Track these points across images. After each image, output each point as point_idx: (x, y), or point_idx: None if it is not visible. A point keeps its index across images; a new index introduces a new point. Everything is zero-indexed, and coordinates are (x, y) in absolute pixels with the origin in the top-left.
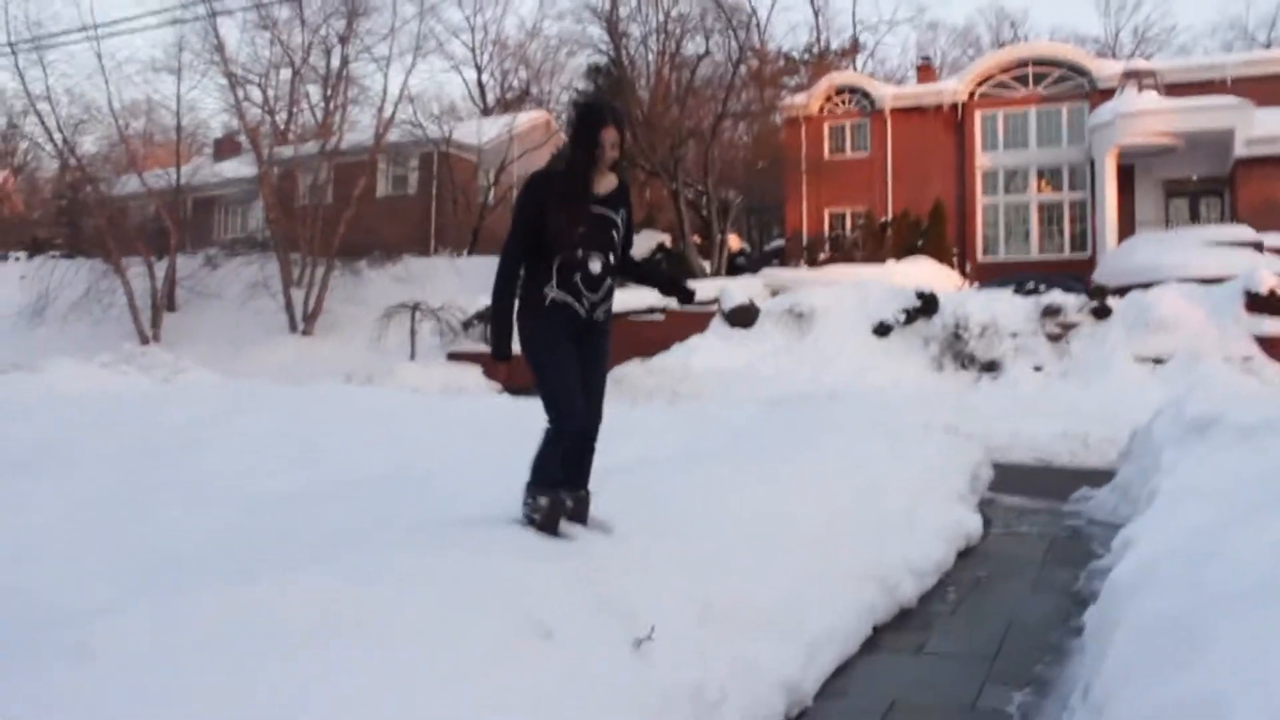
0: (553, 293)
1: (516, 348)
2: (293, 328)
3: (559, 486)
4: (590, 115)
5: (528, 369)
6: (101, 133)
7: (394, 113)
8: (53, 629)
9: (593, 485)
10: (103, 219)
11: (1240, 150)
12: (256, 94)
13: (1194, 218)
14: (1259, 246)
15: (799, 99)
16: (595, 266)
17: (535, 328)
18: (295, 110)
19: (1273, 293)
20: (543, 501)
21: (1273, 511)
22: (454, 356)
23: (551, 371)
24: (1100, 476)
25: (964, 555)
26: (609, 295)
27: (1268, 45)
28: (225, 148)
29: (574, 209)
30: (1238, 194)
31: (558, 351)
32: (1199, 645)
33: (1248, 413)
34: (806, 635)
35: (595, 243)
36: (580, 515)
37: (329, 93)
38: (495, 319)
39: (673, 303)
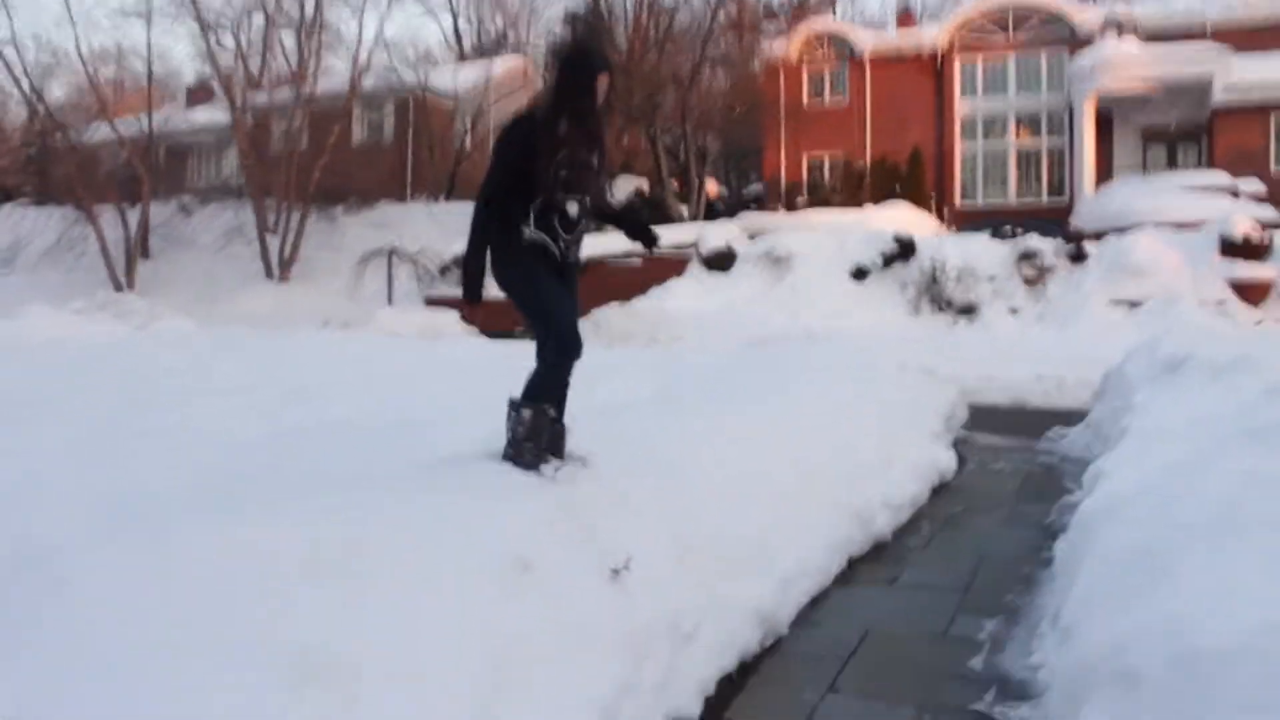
0: (529, 233)
1: (489, 291)
2: (269, 274)
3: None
4: (586, 62)
5: (505, 313)
6: (70, 79)
7: (369, 59)
8: (32, 562)
9: (572, 426)
10: (73, 166)
11: (1218, 97)
12: (229, 40)
13: (1172, 164)
14: (1235, 192)
15: (778, 45)
16: (573, 209)
17: (516, 270)
18: (269, 56)
19: (1247, 238)
20: (526, 414)
21: (1241, 447)
22: (431, 301)
23: (545, 304)
24: (1074, 417)
25: (938, 491)
26: (581, 236)
27: None
28: (198, 95)
29: (565, 153)
30: (1215, 141)
31: (545, 285)
32: (1166, 572)
33: (1219, 352)
34: (781, 569)
35: (574, 186)
36: (557, 448)
37: (303, 38)
38: (469, 260)
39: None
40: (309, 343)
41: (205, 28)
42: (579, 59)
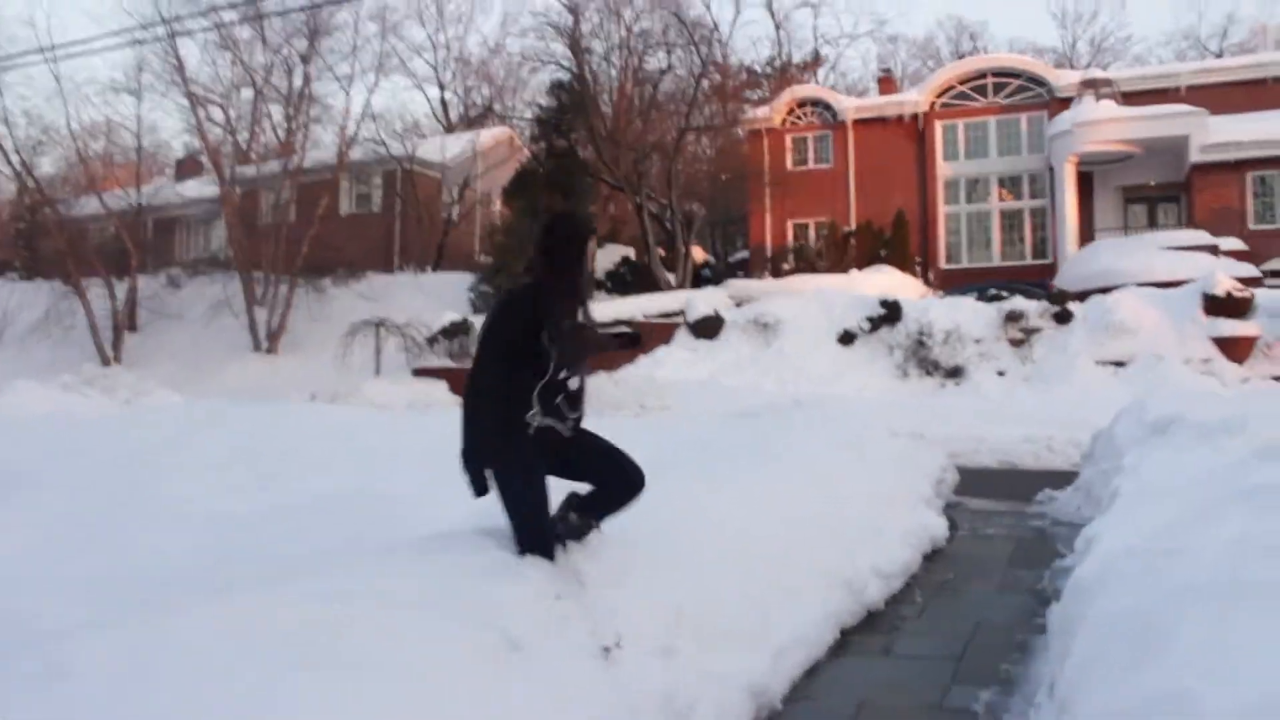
0: (537, 420)
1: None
2: (256, 346)
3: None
4: (577, 231)
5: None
6: (60, 154)
7: (357, 131)
8: (27, 649)
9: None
10: (62, 240)
11: (1195, 156)
12: (218, 114)
13: (1152, 223)
14: (1215, 250)
15: (761, 112)
16: (574, 383)
17: (516, 463)
18: (257, 130)
19: (1229, 295)
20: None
21: (1231, 509)
22: (419, 372)
23: (528, 510)
24: (1064, 478)
25: (930, 558)
26: (583, 406)
27: (1219, 54)
28: (187, 168)
29: (569, 324)
30: (1194, 199)
31: (536, 489)
32: (1162, 641)
33: (1207, 413)
34: (774, 640)
35: (577, 358)
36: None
37: (291, 112)
38: (471, 455)
39: (638, 316)
40: (296, 416)
41: (194, 102)
42: (570, 229)
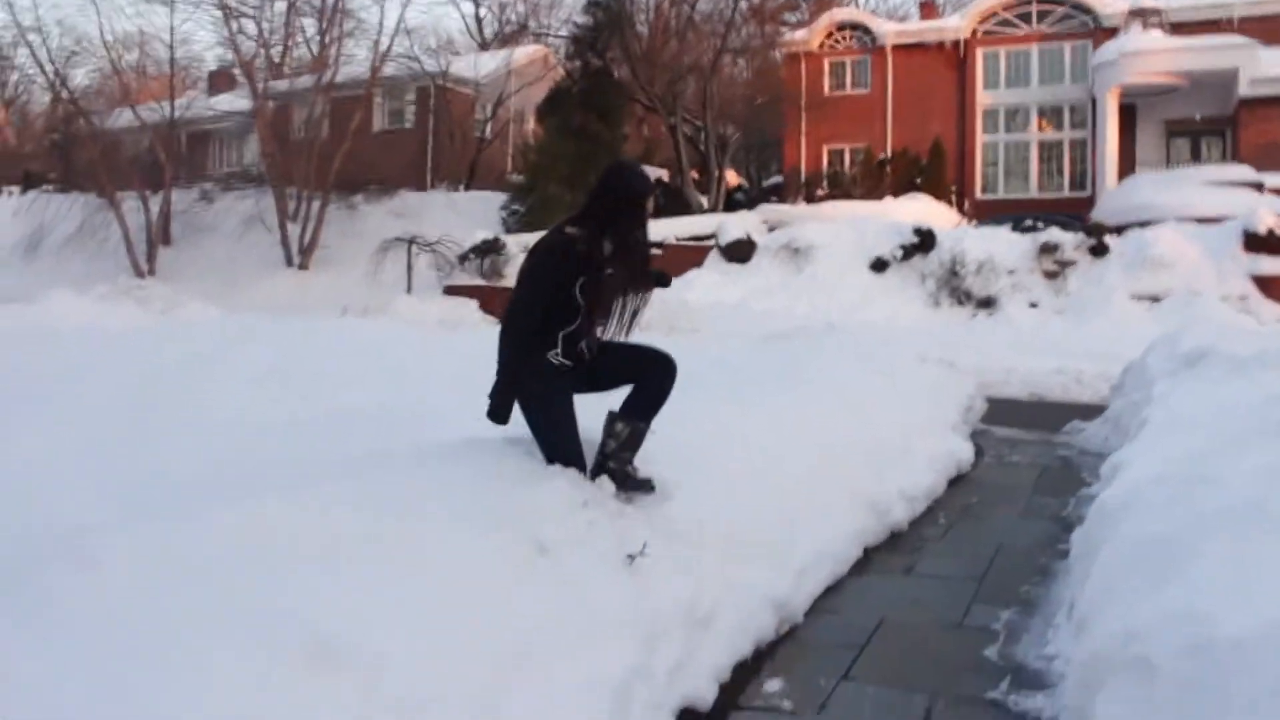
0: (557, 360)
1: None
2: (289, 262)
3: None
4: (640, 189)
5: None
6: (93, 65)
7: (390, 46)
8: (59, 542)
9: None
10: (96, 153)
11: (1244, 90)
12: (251, 27)
13: (1195, 158)
14: (1259, 187)
15: (799, 35)
16: (600, 332)
17: (535, 388)
18: (290, 43)
19: (1271, 232)
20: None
21: (1260, 439)
22: (450, 290)
23: (552, 430)
24: (1093, 411)
25: (955, 483)
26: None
27: None
28: (220, 81)
29: (610, 284)
30: (1240, 134)
31: (557, 410)
32: (1183, 563)
33: (1240, 346)
34: (798, 556)
35: (608, 313)
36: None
37: (324, 25)
38: (501, 389)
39: (670, 238)
40: (328, 330)
41: (227, 14)
42: (630, 188)
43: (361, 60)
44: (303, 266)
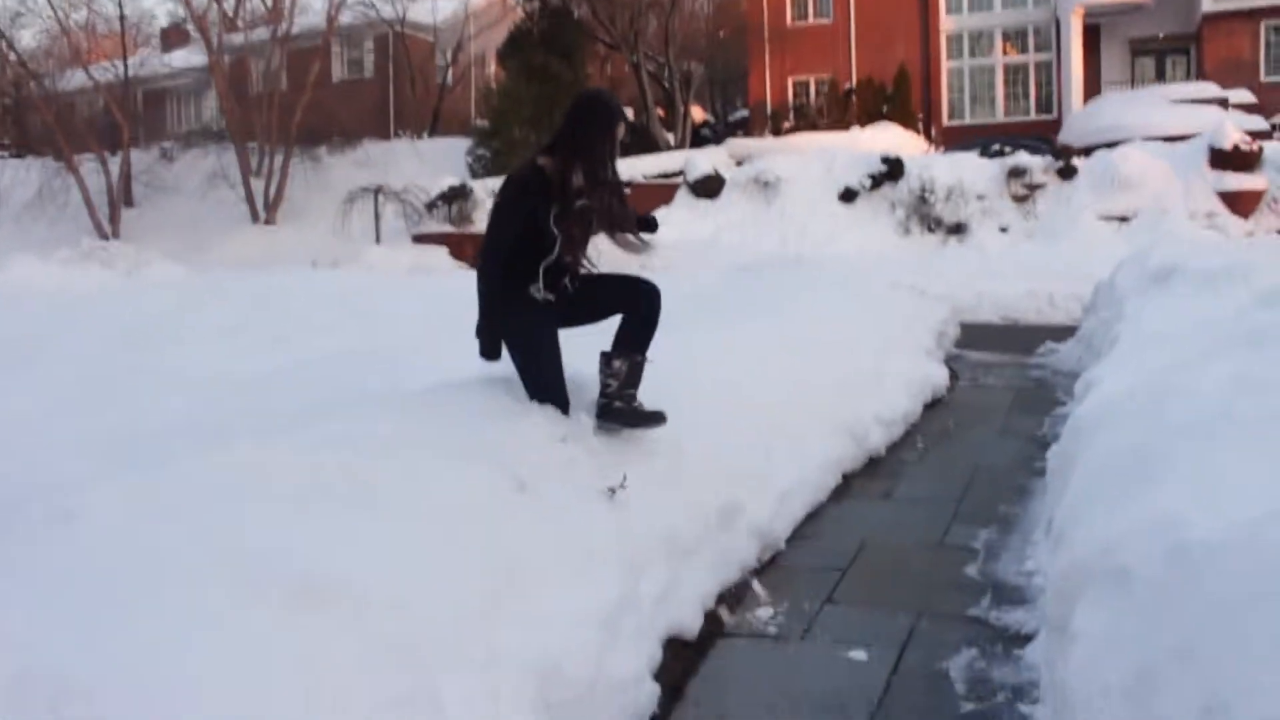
0: (540, 294)
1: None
2: (254, 217)
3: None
4: (608, 112)
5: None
6: (40, 26)
7: None
8: (37, 495)
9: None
10: (50, 116)
11: (1207, 6)
12: None
13: (1160, 76)
14: (1224, 103)
15: None
16: (581, 264)
17: (519, 323)
18: None
19: (1236, 148)
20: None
21: (1230, 350)
22: (419, 238)
23: (536, 367)
24: (1066, 332)
25: (931, 407)
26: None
27: None
28: (173, 37)
29: (582, 206)
30: (1204, 51)
31: (541, 344)
32: (1157, 471)
33: (1208, 262)
34: (777, 484)
35: (585, 243)
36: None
37: None
38: (483, 323)
39: (638, 177)
40: (298, 282)
41: None
42: (595, 110)
43: (317, 10)
44: (269, 222)
